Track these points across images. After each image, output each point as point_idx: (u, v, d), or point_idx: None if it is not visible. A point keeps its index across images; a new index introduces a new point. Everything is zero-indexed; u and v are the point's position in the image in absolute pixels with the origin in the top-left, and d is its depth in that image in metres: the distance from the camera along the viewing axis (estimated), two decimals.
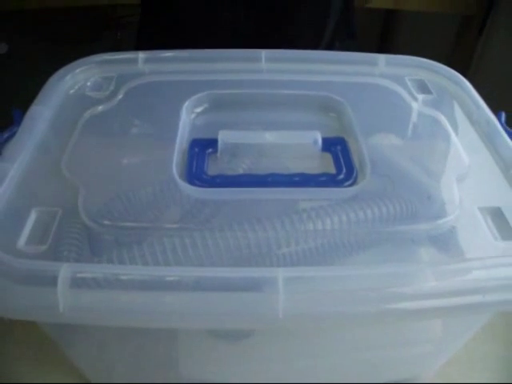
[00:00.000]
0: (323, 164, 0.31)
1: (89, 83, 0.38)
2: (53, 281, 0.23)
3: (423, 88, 0.39)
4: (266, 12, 0.61)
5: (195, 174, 0.30)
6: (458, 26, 1.31)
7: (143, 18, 0.70)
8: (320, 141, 0.31)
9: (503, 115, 0.38)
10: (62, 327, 0.31)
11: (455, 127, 0.35)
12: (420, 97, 0.38)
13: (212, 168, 0.31)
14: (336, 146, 0.32)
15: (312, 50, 0.64)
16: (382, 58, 0.41)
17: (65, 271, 0.23)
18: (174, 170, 0.29)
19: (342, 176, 0.30)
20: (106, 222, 0.27)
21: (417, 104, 0.37)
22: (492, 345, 0.43)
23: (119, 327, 0.32)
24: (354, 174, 0.30)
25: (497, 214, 0.29)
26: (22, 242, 0.26)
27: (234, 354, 0.36)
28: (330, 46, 0.67)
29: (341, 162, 0.31)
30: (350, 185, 0.29)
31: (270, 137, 0.32)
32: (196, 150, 0.31)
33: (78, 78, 0.39)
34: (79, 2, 1.25)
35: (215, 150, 0.31)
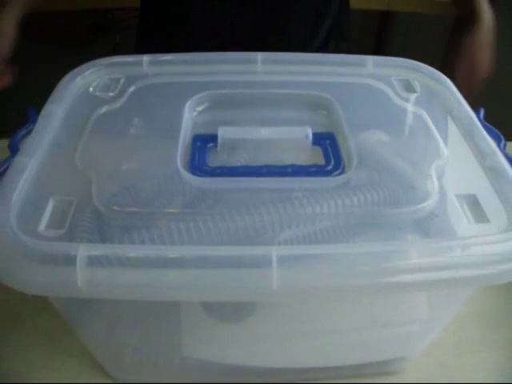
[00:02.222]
0: (314, 157, 0.34)
1: (98, 84, 0.41)
2: (72, 260, 0.26)
3: (408, 87, 0.42)
4: (263, 11, 0.63)
5: (197, 165, 0.33)
6: (451, 27, 1.34)
7: (142, 20, 0.72)
8: (311, 135, 0.34)
9: (482, 111, 0.41)
10: (75, 309, 0.34)
11: (436, 122, 0.38)
12: (405, 95, 0.41)
13: (213, 160, 0.34)
14: (325, 141, 0.35)
15: (307, 48, 0.66)
16: (370, 59, 0.44)
17: (82, 251, 0.26)
18: (179, 162, 0.32)
19: (330, 167, 0.33)
20: (117, 209, 0.30)
21: (401, 102, 0.40)
22: (479, 329, 0.46)
23: (128, 311, 0.36)
24: (342, 165, 0.33)
25: (472, 201, 0.32)
26: (42, 226, 0.29)
27: (233, 335, 0.39)
28: (324, 46, 0.69)
29: (330, 155, 0.34)
30: (338, 175, 0.32)
31: (264, 132, 0.35)
32: (198, 144, 0.34)
33: (88, 80, 0.42)
34: (78, 5, 1.27)
35: (215, 145, 0.34)
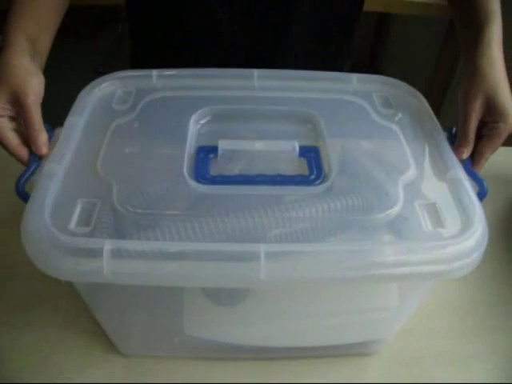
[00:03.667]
0: (300, 167, 0.40)
1: (113, 97, 0.46)
2: (99, 253, 0.32)
3: (386, 103, 0.48)
4: (263, 25, 0.62)
5: (201, 173, 0.38)
6: (446, 28, 1.38)
7: (135, 26, 0.68)
8: (297, 148, 0.40)
9: (454, 129, 0.46)
10: (95, 293, 0.40)
11: (408, 137, 0.44)
12: (383, 111, 0.47)
13: (213, 169, 0.40)
14: (310, 153, 0.41)
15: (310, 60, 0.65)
16: (354, 76, 0.50)
17: (107, 245, 0.32)
18: (185, 170, 0.38)
19: (313, 177, 0.39)
20: (131, 209, 0.36)
21: (379, 118, 0.46)
22: (447, 318, 0.52)
23: (138, 296, 0.42)
24: (323, 175, 0.39)
25: (431, 208, 0.38)
26: (72, 225, 0.35)
27: (228, 317, 0.45)
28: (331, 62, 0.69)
29: (313, 166, 0.40)
30: (319, 184, 0.38)
31: (258, 145, 0.40)
32: (201, 155, 0.40)
33: (104, 92, 0.47)
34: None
35: (216, 155, 0.40)
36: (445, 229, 0.37)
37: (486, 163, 0.45)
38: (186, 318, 0.44)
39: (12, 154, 0.41)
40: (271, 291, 0.42)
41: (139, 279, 0.33)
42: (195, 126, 0.43)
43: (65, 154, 0.39)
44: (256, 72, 0.48)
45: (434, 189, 0.40)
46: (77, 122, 0.43)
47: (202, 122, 0.44)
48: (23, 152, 0.41)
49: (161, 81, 0.48)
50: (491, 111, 0.44)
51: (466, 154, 0.43)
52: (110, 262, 0.32)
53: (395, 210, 0.37)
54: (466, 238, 0.35)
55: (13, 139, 0.41)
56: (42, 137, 0.41)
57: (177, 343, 0.48)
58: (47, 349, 0.48)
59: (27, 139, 0.41)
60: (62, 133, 0.41)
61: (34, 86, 0.42)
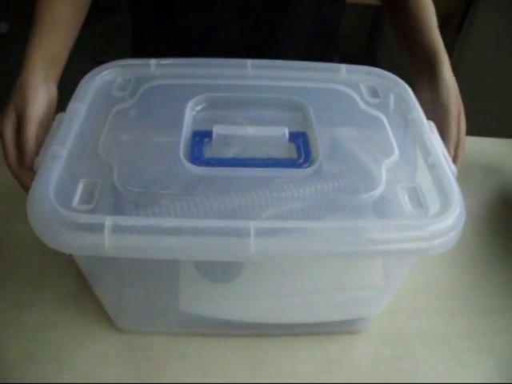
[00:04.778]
0: (289, 151, 0.43)
1: (114, 84, 0.48)
2: (100, 228, 0.34)
3: (373, 93, 0.50)
4: (260, 13, 0.63)
5: (196, 156, 0.41)
6: (439, 23, 1.40)
7: (136, 20, 0.71)
8: (287, 134, 0.43)
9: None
10: (96, 269, 0.43)
11: (392, 125, 0.46)
12: (370, 100, 0.49)
13: (208, 152, 0.42)
14: (299, 138, 0.43)
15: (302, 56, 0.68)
16: (343, 67, 0.52)
17: (109, 221, 0.34)
18: (181, 153, 0.41)
19: (301, 160, 0.41)
20: (130, 189, 0.38)
21: (366, 106, 0.48)
22: (431, 299, 0.55)
23: (136, 272, 0.44)
24: (310, 159, 0.41)
25: (412, 191, 0.41)
26: (75, 202, 0.37)
27: (221, 294, 0.48)
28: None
29: (301, 150, 0.42)
30: (307, 166, 0.41)
31: (250, 130, 0.43)
32: (197, 139, 0.42)
33: (105, 79, 0.49)
34: None
35: (211, 139, 0.42)
36: (424, 209, 0.39)
37: (473, 153, 0.48)
38: (181, 294, 0.47)
39: (13, 172, 0.46)
40: (263, 268, 0.44)
41: (138, 253, 0.35)
42: (191, 112, 0.46)
43: (68, 137, 0.42)
44: (250, 62, 0.51)
45: (416, 173, 0.43)
46: (79, 107, 0.45)
47: (198, 108, 0.47)
48: (24, 175, 0.45)
49: (159, 69, 0.50)
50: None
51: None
52: (111, 237, 0.34)
53: (379, 191, 0.40)
54: (445, 217, 0.38)
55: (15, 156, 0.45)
56: (29, 150, 0.44)
57: (172, 320, 0.51)
58: (48, 325, 0.50)
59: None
60: (65, 117, 0.44)
61: (36, 106, 0.46)
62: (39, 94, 0.47)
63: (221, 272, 0.46)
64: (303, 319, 0.51)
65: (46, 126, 0.46)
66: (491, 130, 0.77)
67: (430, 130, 0.46)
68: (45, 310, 0.51)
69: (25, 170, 0.45)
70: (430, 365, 0.49)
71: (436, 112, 0.51)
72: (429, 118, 0.48)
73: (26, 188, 0.44)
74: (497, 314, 0.53)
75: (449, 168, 0.42)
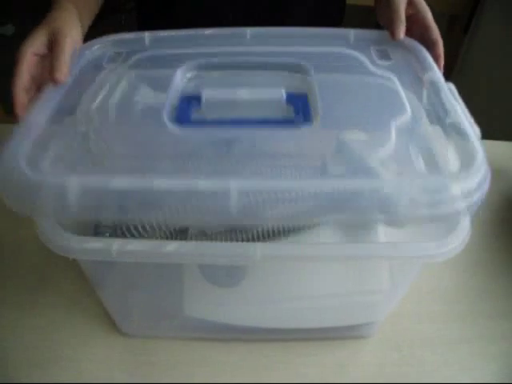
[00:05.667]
0: (287, 114, 0.38)
1: (104, 57, 0.46)
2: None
3: (384, 55, 0.46)
4: (266, 11, 0.64)
5: (182, 119, 0.37)
6: (445, 25, 1.35)
7: (142, 7, 0.72)
8: (284, 95, 0.38)
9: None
10: (100, 274, 0.40)
11: (405, 85, 0.41)
12: (380, 62, 0.45)
13: (196, 117, 0.38)
14: (298, 100, 0.39)
15: None
16: (351, 32, 0.48)
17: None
18: (165, 116, 0.37)
19: (299, 120, 0.37)
20: (117, 152, 0.35)
21: (374, 68, 0.43)
22: (436, 304, 0.52)
23: (139, 276, 0.41)
24: (309, 118, 0.37)
25: (427, 153, 0.36)
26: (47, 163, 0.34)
27: (226, 298, 0.45)
28: None
29: (299, 111, 0.38)
30: (305, 125, 0.36)
31: (244, 93, 0.39)
32: (185, 103, 0.39)
33: (95, 54, 0.47)
34: None
35: (199, 104, 0.39)
36: (441, 171, 0.34)
37: None
38: (185, 298, 0.44)
39: (14, 94, 0.41)
40: (268, 273, 0.42)
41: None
42: (182, 78, 0.42)
43: (48, 104, 0.39)
44: (249, 30, 0.47)
45: (429, 135, 0.38)
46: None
47: (189, 74, 0.43)
48: (23, 99, 0.41)
49: (153, 42, 0.48)
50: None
51: (402, 33, 0.47)
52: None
53: (388, 150, 0.35)
54: (465, 177, 0.32)
55: (25, 81, 0.42)
56: (64, 68, 0.41)
57: (176, 324, 0.47)
58: (51, 329, 0.48)
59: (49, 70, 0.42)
60: (49, 86, 0.41)
61: (73, 34, 0.44)
62: (77, 27, 0.46)
63: (225, 276, 0.42)
64: (309, 324, 0.47)
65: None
66: (498, 132, 0.71)
67: (448, 91, 0.41)
68: (48, 313, 0.49)
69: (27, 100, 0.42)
70: (436, 369, 0.46)
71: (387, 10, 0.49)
72: (383, 23, 0.48)
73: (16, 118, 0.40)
74: (503, 318, 0.51)
75: (471, 129, 0.37)
